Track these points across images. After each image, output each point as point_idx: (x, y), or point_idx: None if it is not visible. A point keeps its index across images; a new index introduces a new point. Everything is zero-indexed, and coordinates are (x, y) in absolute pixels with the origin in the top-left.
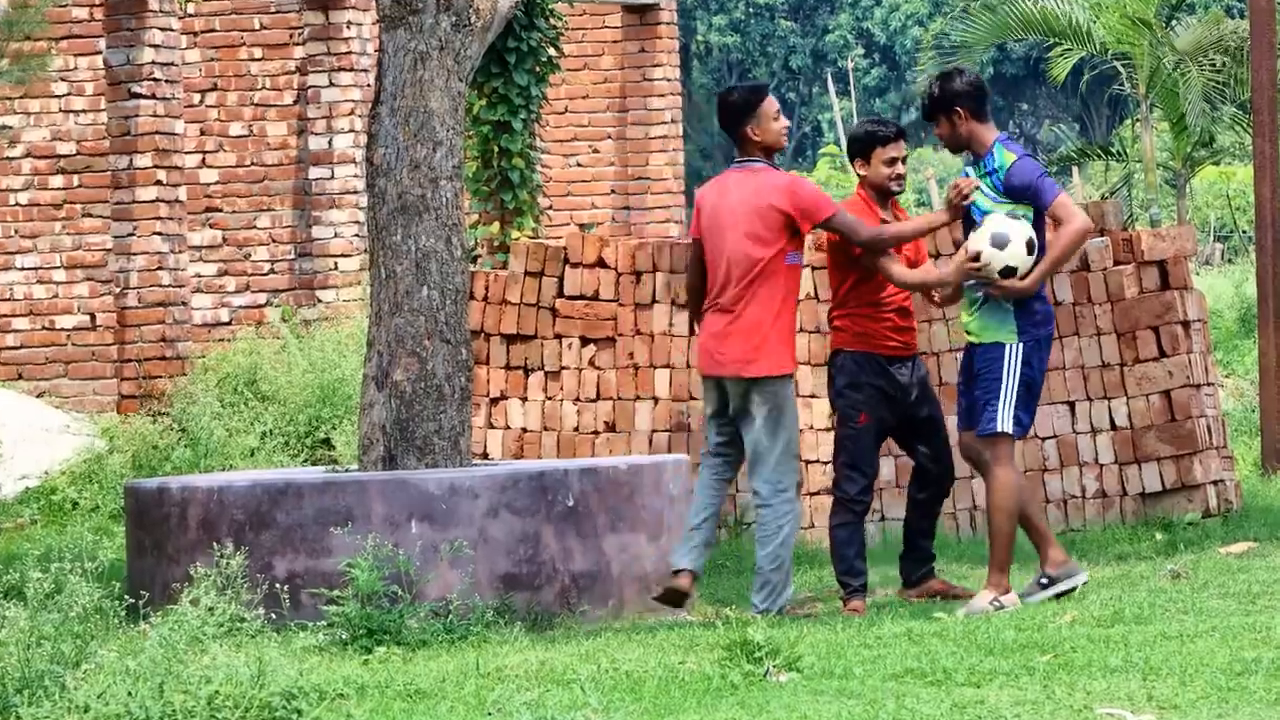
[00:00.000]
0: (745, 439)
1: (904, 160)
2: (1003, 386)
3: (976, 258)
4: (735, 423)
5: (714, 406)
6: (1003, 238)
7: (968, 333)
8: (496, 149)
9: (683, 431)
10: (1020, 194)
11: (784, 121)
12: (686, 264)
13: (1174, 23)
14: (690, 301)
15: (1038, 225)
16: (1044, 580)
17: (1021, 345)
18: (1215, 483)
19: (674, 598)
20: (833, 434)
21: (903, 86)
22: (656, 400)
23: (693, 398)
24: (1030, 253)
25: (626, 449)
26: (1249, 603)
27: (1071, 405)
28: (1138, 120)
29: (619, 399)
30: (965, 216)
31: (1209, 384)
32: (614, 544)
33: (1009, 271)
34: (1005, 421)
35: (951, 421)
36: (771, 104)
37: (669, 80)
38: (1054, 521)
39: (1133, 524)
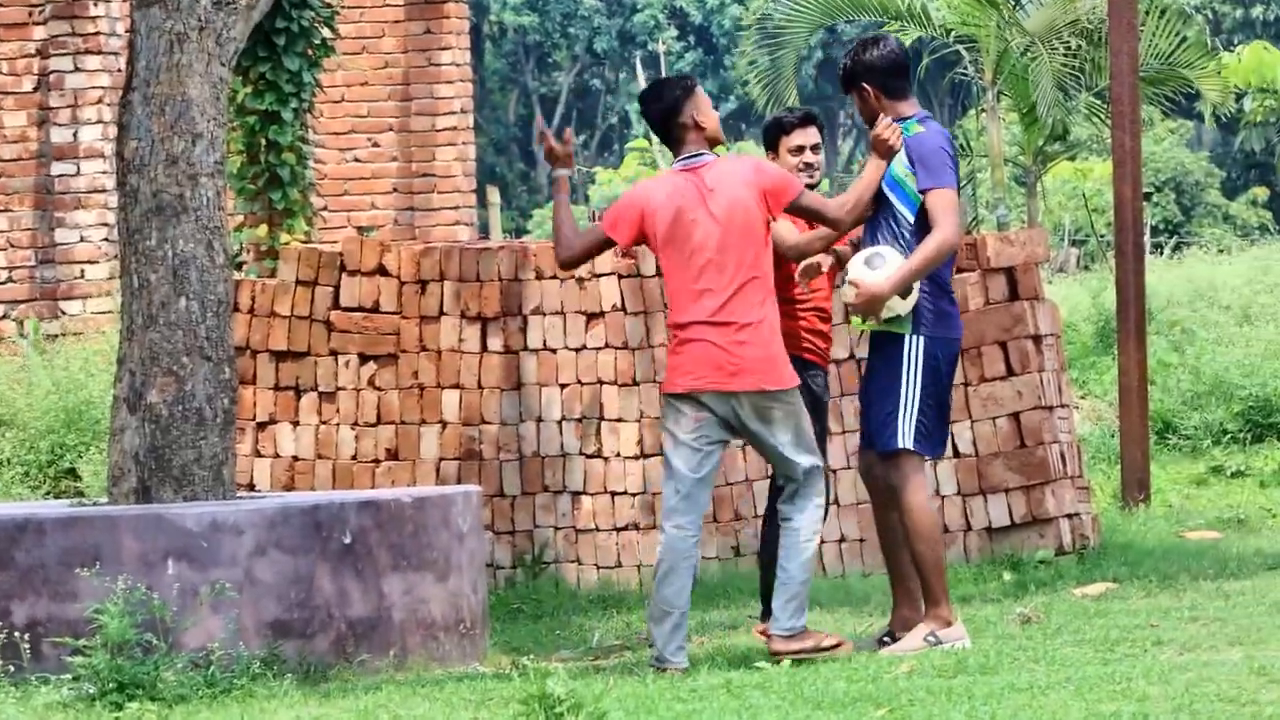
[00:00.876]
0: (772, 458)
1: (816, 148)
2: (902, 391)
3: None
4: (719, 445)
5: (701, 430)
6: (879, 260)
7: (860, 326)
8: (264, 142)
9: (473, 460)
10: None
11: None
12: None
13: (1024, 1)
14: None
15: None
16: (886, 638)
17: (921, 340)
18: (1070, 516)
19: None
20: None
21: (721, 72)
22: (444, 425)
23: (484, 421)
24: (905, 296)
25: (411, 479)
26: (1107, 650)
27: None
28: (983, 110)
29: (402, 423)
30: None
31: (1063, 406)
32: (397, 586)
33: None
34: (906, 435)
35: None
36: (703, 91)
37: (458, 65)
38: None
39: (978, 562)
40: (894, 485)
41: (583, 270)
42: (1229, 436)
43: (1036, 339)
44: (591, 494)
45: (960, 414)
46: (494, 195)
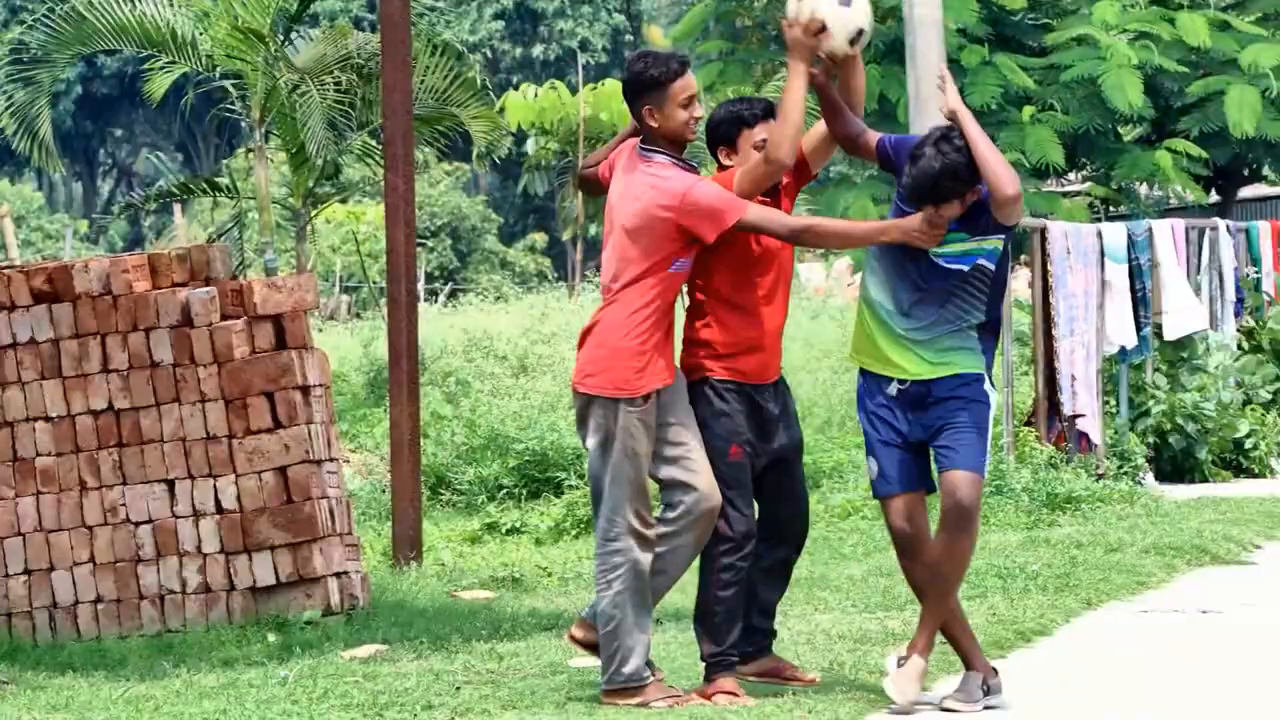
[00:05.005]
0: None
1: None
2: (989, 424)
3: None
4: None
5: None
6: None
7: (911, 368)
8: None
9: None
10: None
11: (696, 111)
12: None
13: (294, 36)
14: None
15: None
16: (985, 687)
17: (988, 379)
18: (338, 575)
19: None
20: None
21: None
22: None
23: None
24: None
25: None
26: (375, 715)
27: (170, 484)
28: (252, 149)
29: None
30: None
31: (332, 460)
32: None
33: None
34: (988, 462)
35: None
36: (686, 85)
37: None
38: (150, 621)
39: (241, 623)
40: (971, 508)
41: None
42: (505, 492)
43: (305, 390)
44: None
45: (224, 467)
46: None
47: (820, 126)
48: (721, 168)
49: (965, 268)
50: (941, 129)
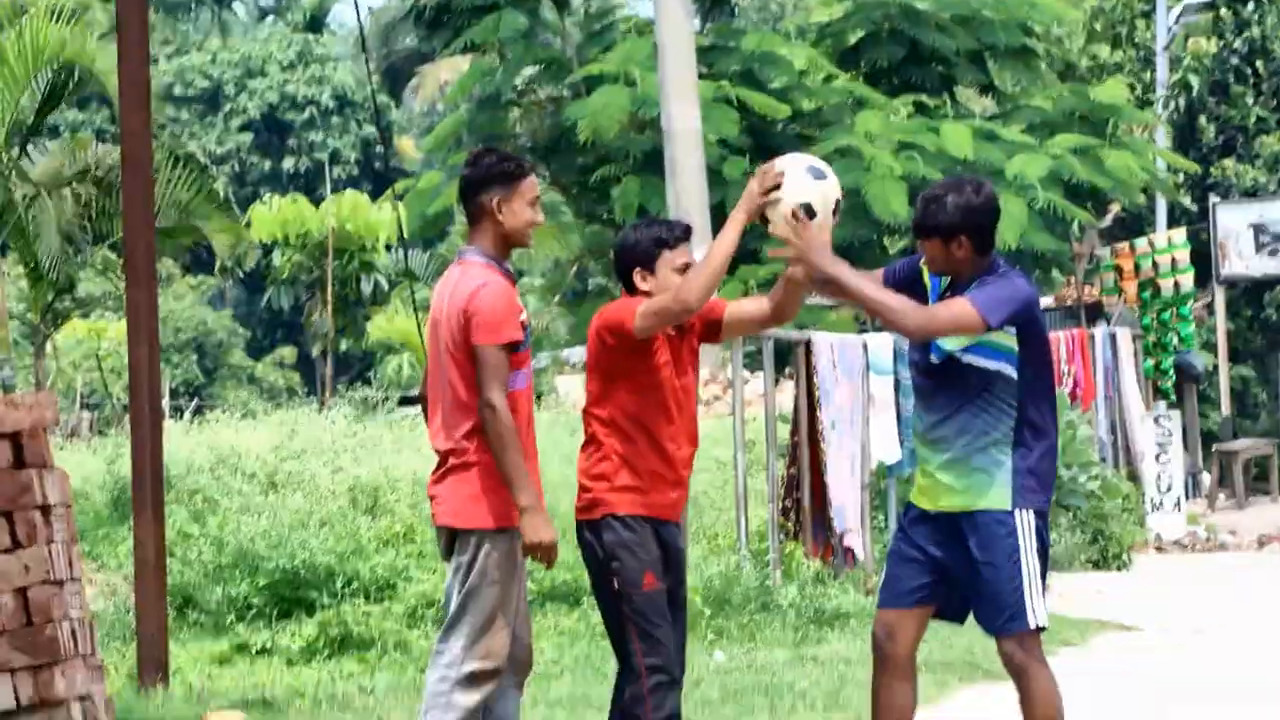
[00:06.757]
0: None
1: None
2: (1024, 565)
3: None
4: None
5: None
6: (819, 171)
7: (940, 499)
8: None
9: None
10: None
11: (539, 215)
12: None
13: (30, 148)
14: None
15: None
16: None
17: (1027, 513)
18: (81, 699)
19: None
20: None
21: None
22: None
23: None
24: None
25: None
26: None
27: None
28: None
29: None
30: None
31: (74, 580)
32: None
33: (809, 210)
34: (1039, 613)
35: None
36: (533, 185)
37: None
38: None
39: None
40: (1016, 666)
41: None
42: (254, 611)
43: (45, 509)
44: None
45: None
46: None
47: (751, 305)
48: (630, 292)
49: (982, 363)
50: (975, 181)
